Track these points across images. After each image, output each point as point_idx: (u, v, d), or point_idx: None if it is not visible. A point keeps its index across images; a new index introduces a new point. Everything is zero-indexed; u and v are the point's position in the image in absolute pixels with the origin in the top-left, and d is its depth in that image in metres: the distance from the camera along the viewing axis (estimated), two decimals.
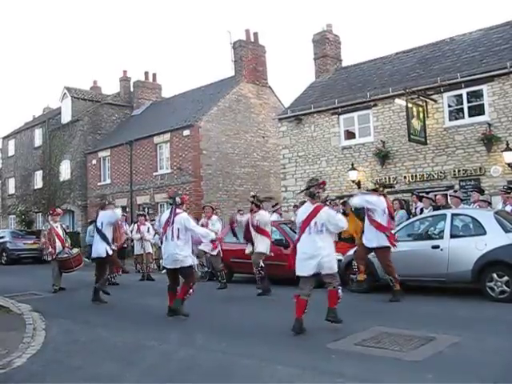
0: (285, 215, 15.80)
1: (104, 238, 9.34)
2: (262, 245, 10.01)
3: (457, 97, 14.56)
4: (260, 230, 10.00)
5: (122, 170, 25.81)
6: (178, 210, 7.78)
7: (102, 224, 9.49)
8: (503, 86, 13.53)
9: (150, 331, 6.88)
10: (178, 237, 7.60)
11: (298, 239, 6.76)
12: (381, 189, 9.11)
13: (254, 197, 10.49)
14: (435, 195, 12.25)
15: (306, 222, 6.59)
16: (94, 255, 9.64)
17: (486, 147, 13.66)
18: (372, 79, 17.40)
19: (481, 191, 11.70)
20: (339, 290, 6.75)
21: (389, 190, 9.69)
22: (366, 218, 8.94)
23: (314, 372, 4.85)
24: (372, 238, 8.81)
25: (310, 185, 7.10)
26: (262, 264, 9.96)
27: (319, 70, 20.25)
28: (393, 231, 8.99)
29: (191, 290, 7.83)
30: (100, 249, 9.37)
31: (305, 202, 12.14)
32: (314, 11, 73.77)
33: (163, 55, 75.04)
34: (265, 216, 10.24)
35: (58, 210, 12.92)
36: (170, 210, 7.96)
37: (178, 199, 7.85)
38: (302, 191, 7.63)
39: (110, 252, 9.46)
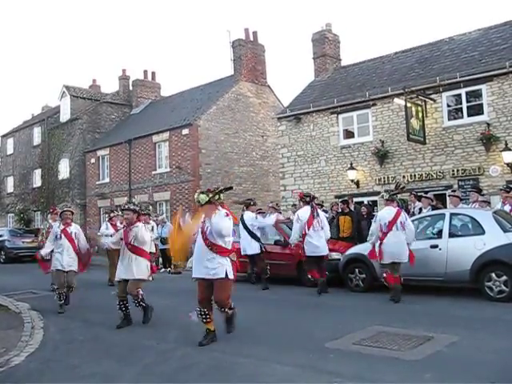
0: (284, 214, 15.79)
1: (254, 236, 10.79)
2: (140, 269, 7.32)
3: (456, 96, 14.55)
4: (136, 250, 7.32)
5: (120, 169, 25.79)
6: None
7: (251, 225, 10.90)
8: (502, 86, 13.53)
9: (149, 330, 6.88)
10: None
11: (385, 236, 8.73)
12: (215, 197, 6.05)
13: (132, 203, 7.67)
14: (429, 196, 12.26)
15: (393, 222, 8.72)
16: (249, 252, 10.89)
17: (484, 147, 13.66)
18: (371, 79, 17.40)
19: (479, 191, 11.71)
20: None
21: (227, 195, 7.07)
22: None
23: (312, 371, 4.85)
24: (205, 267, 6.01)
25: (393, 192, 9.25)
26: (141, 293, 7.36)
27: (318, 70, 20.23)
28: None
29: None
30: (255, 246, 10.80)
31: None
32: (314, 10, 73.82)
33: (162, 54, 75.06)
34: (142, 230, 7.39)
35: (58, 209, 12.90)
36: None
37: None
38: (389, 197, 9.08)
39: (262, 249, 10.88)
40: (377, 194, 15.24)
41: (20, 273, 16.61)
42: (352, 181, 16.12)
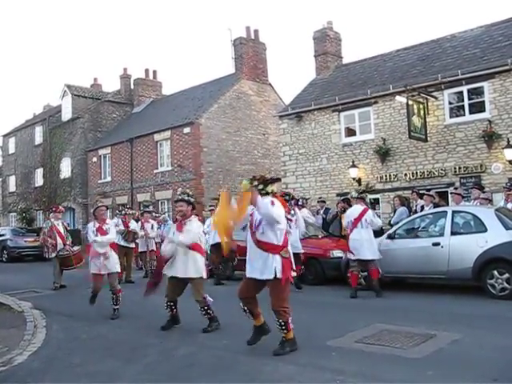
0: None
1: None
2: (199, 266, 6.69)
3: (457, 94, 14.52)
4: (193, 244, 6.66)
5: (122, 168, 25.81)
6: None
7: None
8: (504, 83, 13.49)
9: (151, 328, 6.88)
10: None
11: (351, 232, 9.12)
12: (259, 186, 5.46)
13: (186, 194, 6.87)
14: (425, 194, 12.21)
15: (358, 219, 9.07)
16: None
17: (486, 144, 13.64)
18: (372, 76, 17.36)
19: (481, 188, 11.68)
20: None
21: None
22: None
23: (314, 369, 4.85)
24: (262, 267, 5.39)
25: (363, 191, 9.68)
26: (208, 297, 6.72)
27: (320, 67, 20.21)
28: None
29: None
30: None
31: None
32: (315, 8, 73.70)
33: (163, 53, 75.04)
34: (197, 224, 6.85)
35: (61, 208, 12.96)
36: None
37: None
38: (358, 196, 9.46)
39: None
40: (379, 192, 15.25)
41: (22, 272, 16.64)
42: (354, 179, 16.11)
